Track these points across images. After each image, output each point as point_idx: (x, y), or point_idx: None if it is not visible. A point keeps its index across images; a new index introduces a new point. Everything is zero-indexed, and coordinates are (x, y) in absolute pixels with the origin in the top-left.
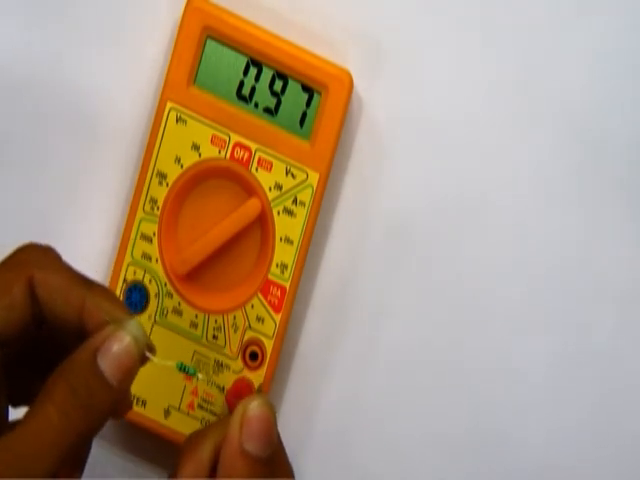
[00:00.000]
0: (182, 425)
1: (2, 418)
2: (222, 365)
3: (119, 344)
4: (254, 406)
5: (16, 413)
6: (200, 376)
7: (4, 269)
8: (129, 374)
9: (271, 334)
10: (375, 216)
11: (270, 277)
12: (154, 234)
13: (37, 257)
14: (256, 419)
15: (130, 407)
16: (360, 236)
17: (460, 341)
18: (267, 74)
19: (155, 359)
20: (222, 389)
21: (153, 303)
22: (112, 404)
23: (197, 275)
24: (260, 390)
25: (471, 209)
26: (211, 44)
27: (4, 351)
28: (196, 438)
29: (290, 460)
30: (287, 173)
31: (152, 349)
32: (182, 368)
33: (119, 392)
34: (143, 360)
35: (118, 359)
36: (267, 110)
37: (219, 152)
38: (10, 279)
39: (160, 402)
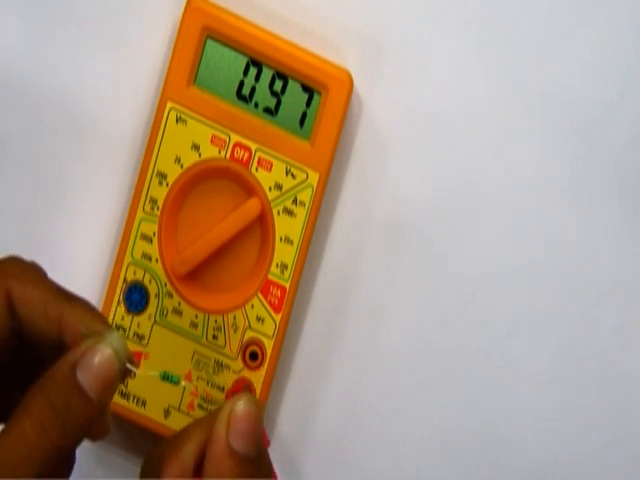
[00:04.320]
0: (182, 425)
1: None
2: (222, 365)
3: (100, 357)
4: (241, 404)
5: None
6: (184, 384)
7: None
8: (109, 387)
9: (271, 334)
10: (375, 216)
11: (270, 277)
12: (154, 234)
13: (16, 270)
14: (244, 417)
15: (108, 432)
16: (360, 236)
17: (460, 341)
18: (267, 74)
19: (138, 371)
20: (222, 389)
21: (153, 303)
22: (91, 418)
23: (197, 275)
24: (247, 389)
25: (471, 209)
26: (211, 44)
27: None
28: (179, 438)
29: (290, 460)
30: (287, 173)
31: (133, 361)
32: (166, 377)
33: (99, 406)
34: (125, 373)
35: (98, 372)
36: (267, 110)
37: (219, 152)
38: None
39: (160, 402)
